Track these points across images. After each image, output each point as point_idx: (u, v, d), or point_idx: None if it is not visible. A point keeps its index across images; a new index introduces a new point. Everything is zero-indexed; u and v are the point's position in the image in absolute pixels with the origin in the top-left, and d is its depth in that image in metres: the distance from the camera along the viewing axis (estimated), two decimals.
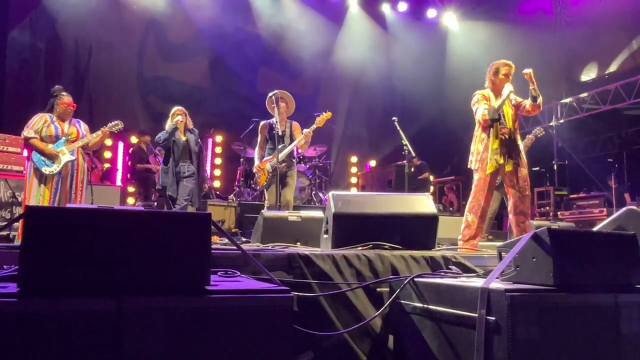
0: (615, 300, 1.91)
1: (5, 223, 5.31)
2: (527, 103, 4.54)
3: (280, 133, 5.88)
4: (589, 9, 10.87)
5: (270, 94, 6.03)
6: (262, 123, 6.15)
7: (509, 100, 4.50)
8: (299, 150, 6.06)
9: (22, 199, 5.23)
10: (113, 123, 5.62)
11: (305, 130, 5.81)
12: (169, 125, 6.03)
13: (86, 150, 5.60)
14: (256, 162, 6.11)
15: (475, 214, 4.43)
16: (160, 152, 7.32)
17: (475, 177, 4.54)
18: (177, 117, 5.99)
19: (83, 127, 5.51)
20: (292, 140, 5.88)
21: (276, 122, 5.84)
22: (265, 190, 6.03)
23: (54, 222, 1.53)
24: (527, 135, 5.13)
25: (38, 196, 5.12)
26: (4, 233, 5.43)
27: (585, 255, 1.94)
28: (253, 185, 6.28)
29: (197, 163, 6.03)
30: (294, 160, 6.06)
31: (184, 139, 6.01)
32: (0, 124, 8.23)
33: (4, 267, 2.05)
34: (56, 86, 5.57)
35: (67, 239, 1.52)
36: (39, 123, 5.24)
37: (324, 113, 5.96)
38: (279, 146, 5.78)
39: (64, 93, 5.38)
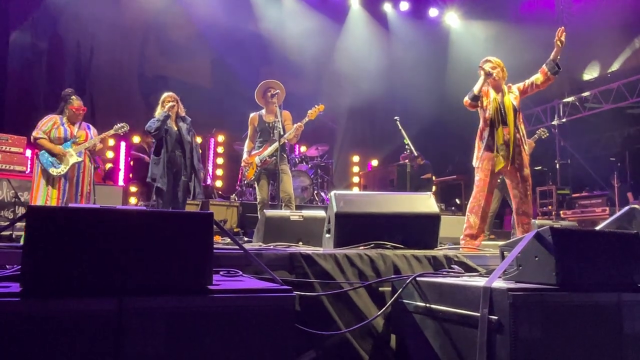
0: (618, 300, 1.90)
1: (8, 223, 5.33)
2: (538, 77, 4.54)
3: (272, 125, 5.69)
4: (591, 7, 10.85)
5: (260, 86, 5.84)
6: (252, 115, 5.90)
7: (510, 94, 4.51)
8: (290, 142, 5.89)
9: (29, 199, 5.28)
10: (119, 125, 5.66)
11: (296, 125, 5.64)
12: (159, 112, 5.51)
13: (95, 154, 5.67)
14: (244, 155, 5.90)
15: (476, 214, 4.42)
16: None
17: (476, 177, 4.54)
18: (168, 103, 5.48)
19: (92, 131, 5.58)
20: (284, 130, 5.62)
21: (277, 119, 5.67)
22: (255, 185, 5.81)
23: (56, 222, 1.53)
24: (527, 140, 5.08)
25: (45, 197, 5.17)
26: (7, 233, 5.44)
27: (588, 255, 1.93)
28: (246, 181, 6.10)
29: (191, 153, 5.56)
30: (284, 155, 5.80)
31: (175, 128, 5.52)
32: (2, 124, 8.25)
33: (7, 266, 2.06)
34: (68, 89, 5.62)
35: (70, 238, 1.52)
36: (48, 124, 5.33)
37: (316, 106, 5.77)
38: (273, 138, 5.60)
39: (74, 97, 5.43)
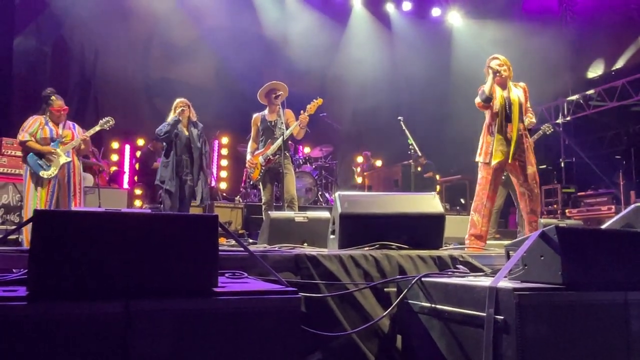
0: (625, 299, 1.89)
1: (15, 227, 5.35)
2: (530, 118, 4.63)
3: (274, 123, 5.75)
4: (594, 5, 10.82)
5: (265, 87, 5.87)
6: (254, 116, 5.95)
7: (517, 89, 4.54)
8: (297, 137, 5.90)
9: (24, 207, 5.27)
10: (104, 120, 5.66)
11: (300, 118, 5.67)
12: (171, 117, 5.74)
13: (81, 153, 5.62)
14: (248, 156, 5.93)
15: (480, 213, 4.41)
16: None
17: (479, 175, 4.53)
18: (179, 109, 5.70)
19: (77, 130, 5.54)
20: (286, 128, 5.67)
21: (279, 119, 5.70)
22: (260, 186, 5.85)
23: (62, 226, 1.53)
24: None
25: (35, 200, 5.14)
26: (13, 237, 5.47)
27: (594, 254, 1.92)
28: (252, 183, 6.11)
29: (201, 158, 5.73)
30: (288, 154, 5.77)
31: (186, 132, 5.73)
32: (8, 128, 8.26)
33: (13, 270, 2.07)
34: (48, 89, 5.57)
35: (76, 242, 1.53)
36: (33, 126, 5.29)
37: (314, 100, 5.78)
38: (276, 136, 5.67)
39: (53, 97, 5.39)
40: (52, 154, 5.20)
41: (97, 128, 5.62)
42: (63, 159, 5.25)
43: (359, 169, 11.36)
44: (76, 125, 5.60)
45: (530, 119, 4.60)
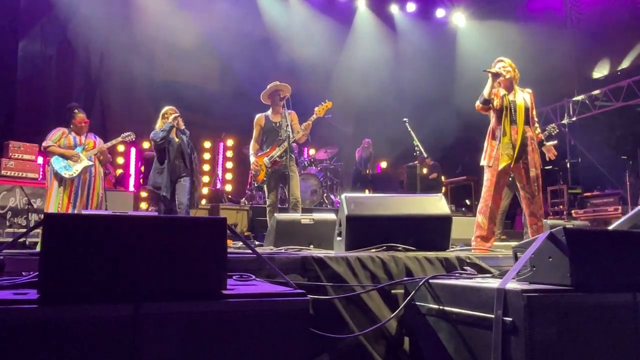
0: (634, 300, 1.89)
1: (25, 230, 5.40)
2: (537, 129, 4.66)
3: (279, 124, 5.74)
4: (599, 5, 10.79)
5: (269, 87, 5.86)
6: (257, 116, 5.92)
7: (524, 94, 4.54)
8: (298, 141, 5.84)
9: (42, 206, 5.47)
10: (126, 134, 5.99)
11: (305, 123, 5.67)
12: (159, 125, 5.88)
13: (101, 162, 5.88)
14: (252, 158, 5.88)
15: (484, 215, 4.41)
16: None
17: (485, 177, 4.53)
18: (171, 115, 5.82)
19: (98, 141, 5.86)
20: (292, 130, 5.64)
21: (284, 120, 5.68)
22: (265, 188, 5.83)
23: (72, 229, 1.54)
24: (546, 143, 4.90)
25: (57, 201, 5.34)
26: (21, 240, 5.51)
27: (602, 255, 1.92)
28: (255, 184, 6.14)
29: (192, 164, 5.89)
30: (293, 156, 5.77)
31: (177, 139, 5.88)
32: (14, 132, 8.32)
33: (23, 273, 2.08)
34: (72, 103, 5.94)
35: (86, 245, 1.53)
36: (56, 134, 5.61)
37: (323, 103, 5.78)
38: (281, 138, 5.68)
39: (76, 110, 5.73)
40: (75, 156, 5.48)
41: (119, 139, 5.95)
42: (85, 162, 5.51)
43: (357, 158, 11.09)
44: (96, 136, 5.88)
45: (534, 130, 4.60)
